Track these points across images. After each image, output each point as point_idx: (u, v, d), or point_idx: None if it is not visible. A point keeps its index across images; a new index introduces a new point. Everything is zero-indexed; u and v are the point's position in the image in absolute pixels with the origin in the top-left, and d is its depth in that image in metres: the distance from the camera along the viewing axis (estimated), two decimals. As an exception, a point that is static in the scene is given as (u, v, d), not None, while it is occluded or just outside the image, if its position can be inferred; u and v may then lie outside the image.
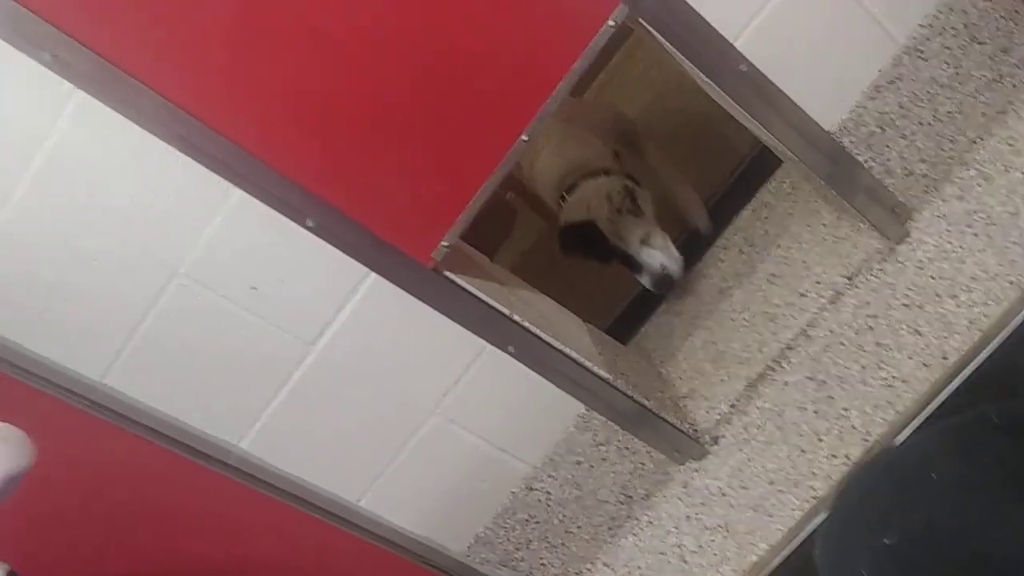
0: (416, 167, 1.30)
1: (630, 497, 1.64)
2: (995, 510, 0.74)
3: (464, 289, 1.40)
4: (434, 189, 1.32)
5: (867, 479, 0.84)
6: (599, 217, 1.93)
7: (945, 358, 1.38)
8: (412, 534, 1.57)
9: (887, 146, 1.45)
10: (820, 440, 1.46)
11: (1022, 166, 1.43)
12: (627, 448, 1.60)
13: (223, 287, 1.33)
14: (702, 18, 1.27)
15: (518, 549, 1.64)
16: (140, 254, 1.28)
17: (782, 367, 1.59)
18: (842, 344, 1.52)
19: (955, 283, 1.41)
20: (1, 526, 1.06)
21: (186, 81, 1.19)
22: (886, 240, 1.51)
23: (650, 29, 1.26)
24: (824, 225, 1.69)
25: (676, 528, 1.59)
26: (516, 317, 1.44)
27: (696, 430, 1.62)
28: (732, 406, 1.62)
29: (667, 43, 1.27)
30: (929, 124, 1.46)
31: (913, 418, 1.38)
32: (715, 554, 1.51)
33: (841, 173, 1.43)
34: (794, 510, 1.44)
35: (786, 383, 1.57)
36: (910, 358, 1.41)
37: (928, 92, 1.43)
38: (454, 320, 1.41)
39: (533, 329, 1.46)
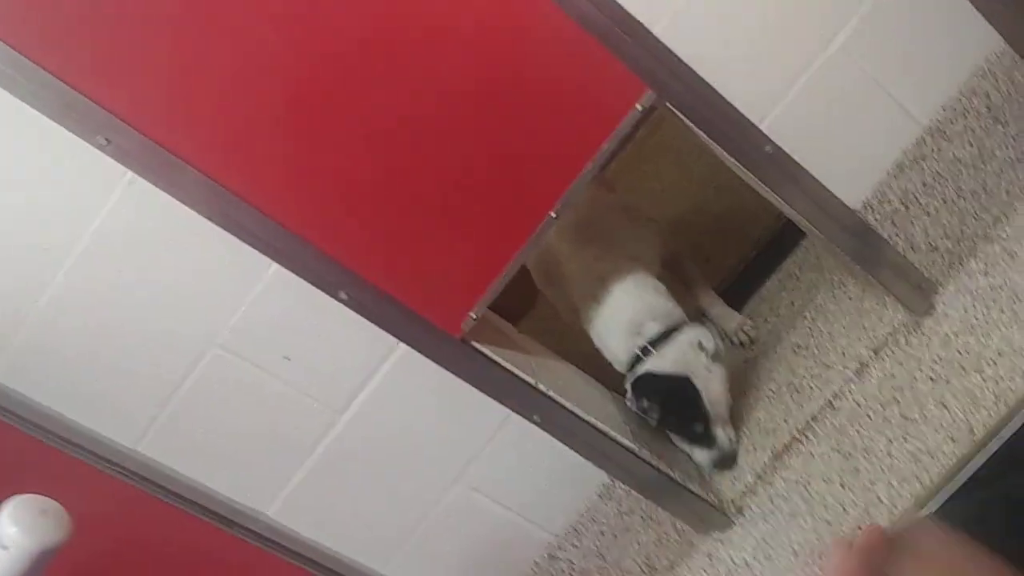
0: (447, 242, 1.33)
1: (654, 568, 1.63)
2: None
3: (491, 359, 1.42)
4: (464, 263, 1.35)
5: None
6: (696, 373, 1.67)
7: (972, 432, 1.37)
8: (436, 603, 1.57)
9: (911, 222, 1.47)
10: (846, 512, 1.45)
11: (1047, 243, 1.44)
12: (651, 518, 1.60)
13: (257, 357, 1.35)
14: (728, 102, 1.30)
15: (542, 619, 1.63)
16: (178, 325, 1.31)
17: (808, 438, 1.59)
18: (868, 416, 1.51)
19: (981, 357, 1.41)
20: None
21: (231, 162, 1.24)
22: (911, 313, 1.52)
23: (677, 113, 1.29)
24: (850, 298, 1.70)
25: (701, 599, 1.58)
26: (541, 386, 1.46)
27: (721, 500, 1.61)
28: (758, 477, 1.61)
29: (693, 126, 1.30)
30: (953, 201, 1.47)
31: (939, 491, 1.37)
32: (741, 627, 1.50)
33: (866, 249, 1.45)
34: (819, 583, 1.43)
35: (812, 454, 1.57)
36: (936, 431, 1.41)
37: (951, 171, 1.45)
38: (480, 389, 1.43)
39: (558, 398, 1.47)
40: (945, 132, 1.43)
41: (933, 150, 1.43)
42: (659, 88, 1.26)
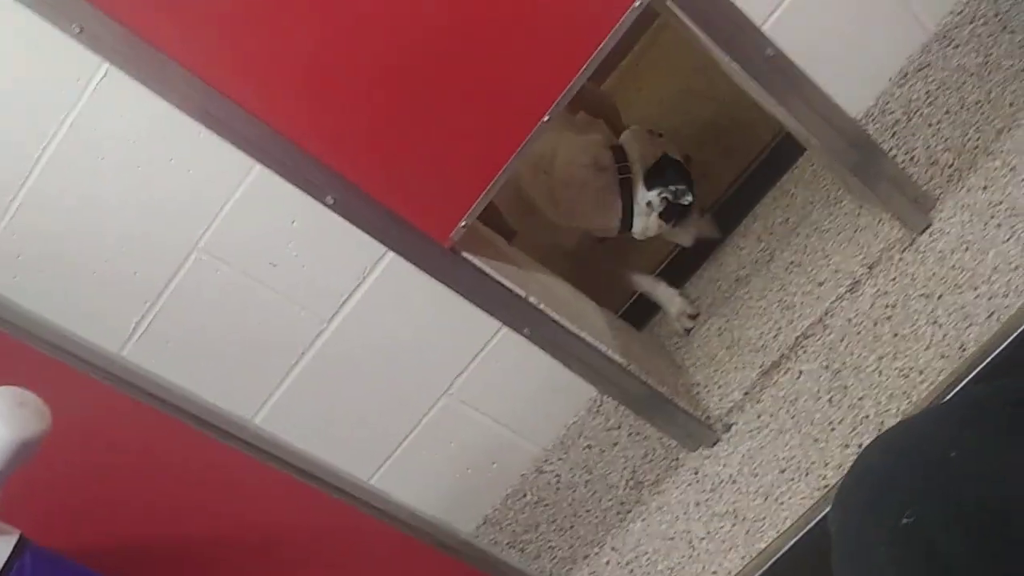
0: (438, 146, 1.29)
1: (640, 482, 1.64)
2: (1018, 485, 0.73)
3: (481, 270, 1.40)
4: (455, 169, 1.31)
5: (882, 462, 0.83)
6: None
7: (963, 349, 1.36)
8: (422, 513, 1.58)
9: (912, 134, 1.44)
10: (833, 429, 1.46)
11: (1049, 157, 1.41)
12: (639, 433, 1.60)
13: (242, 262, 1.33)
14: (729, 1, 1.26)
15: (526, 531, 1.64)
16: (158, 227, 1.28)
17: (797, 356, 1.59)
18: (859, 334, 1.51)
19: (976, 274, 1.40)
20: (14, 493, 1.07)
21: (211, 55, 1.19)
22: (908, 230, 1.50)
23: (677, 11, 1.24)
24: (845, 214, 1.68)
25: (685, 514, 1.59)
26: (532, 299, 1.44)
27: (708, 417, 1.62)
28: (745, 394, 1.61)
29: (694, 25, 1.26)
30: (956, 113, 1.44)
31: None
32: (723, 540, 1.51)
33: (865, 161, 1.42)
34: (804, 498, 1.43)
35: (800, 372, 1.57)
36: (927, 349, 1.40)
37: (956, 80, 1.41)
38: (470, 301, 1.41)
39: (548, 312, 1.45)
40: (952, 39, 1.38)
41: (939, 57, 1.39)
42: (659, -16, 1.22)
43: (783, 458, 1.50)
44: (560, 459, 1.59)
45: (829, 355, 1.54)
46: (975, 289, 1.39)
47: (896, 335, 1.45)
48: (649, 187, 1.84)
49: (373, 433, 1.50)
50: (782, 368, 1.60)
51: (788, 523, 1.43)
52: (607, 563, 1.65)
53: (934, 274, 1.45)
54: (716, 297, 1.88)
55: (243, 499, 1.48)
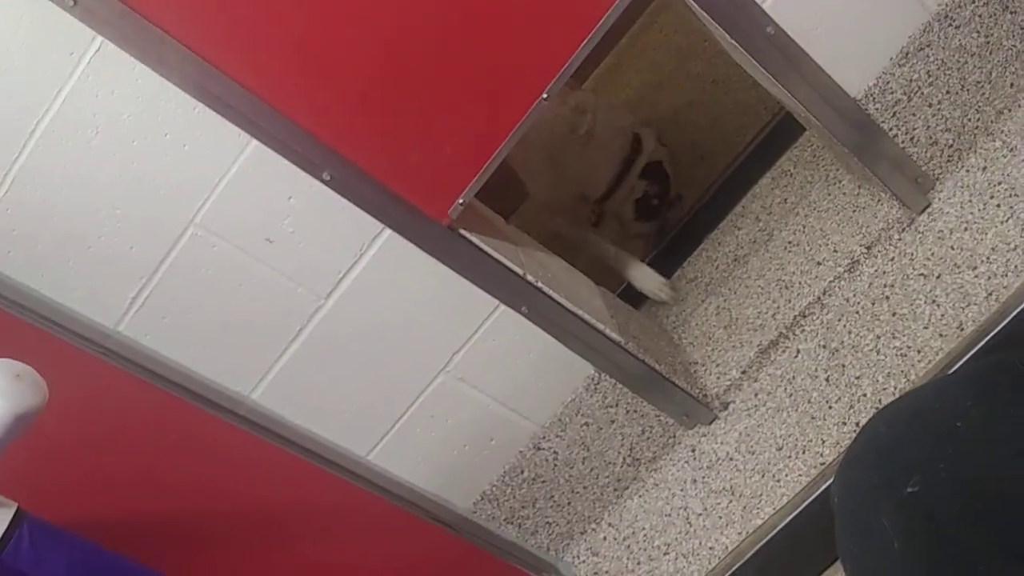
0: (436, 123, 1.28)
1: (637, 459, 1.65)
2: (1020, 460, 0.73)
3: (479, 248, 1.39)
4: (453, 146, 1.30)
5: (888, 431, 0.84)
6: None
7: (961, 329, 1.36)
8: (419, 489, 1.58)
9: (913, 114, 1.43)
10: (830, 408, 1.46)
11: (1049, 137, 1.40)
12: (636, 411, 1.61)
13: (238, 238, 1.32)
14: (730, -23, 1.25)
15: (524, 507, 1.65)
16: (155, 203, 1.28)
17: (795, 335, 1.59)
18: (857, 313, 1.51)
19: (975, 254, 1.40)
20: (11, 466, 1.07)
21: (207, 30, 1.18)
22: (907, 210, 1.49)
23: (677, -13, 1.23)
24: (844, 194, 1.67)
25: (682, 491, 1.60)
26: (530, 277, 1.44)
27: (706, 395, 1.62)
28: (743, 372, 1.62)
29: (694, 3, 1.25)
30: (956, 93, 1.43)
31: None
32: (720, 517, 1.52)
33: (865, 141, 1.41)
34: (801, 476, 1.44)
35: (798, 350, 1.57)
36: (925, 328, 1.40)
37: (957, 60, 1.40)
38: (467, 278, 1.41)
39: (546, 290, 1.45)
40: (953, 19, 1.37)
41: (940, 37, 1.38)
42: (659, -40, 1.20)
43: (780, 436, 1.51)
44: (558, 436, 1.60)
45: (827, 334, 1.54)
46: (974, 269, 1.39)
47: (894, 314, 1.46)
48: (642, 176, 2.11)
49: (370, 409, 1.50)
50: (780, 347, 1.60)
51: (785, 500, 1.44)
52: (604, 539, 1.66)
53: (933, 254, 1.45)
54: (714, 276, 1.88)
55: (240, 474, 1.48)
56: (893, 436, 0.82)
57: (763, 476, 1.49)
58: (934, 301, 1.41)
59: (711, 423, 1.62)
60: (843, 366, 1.48)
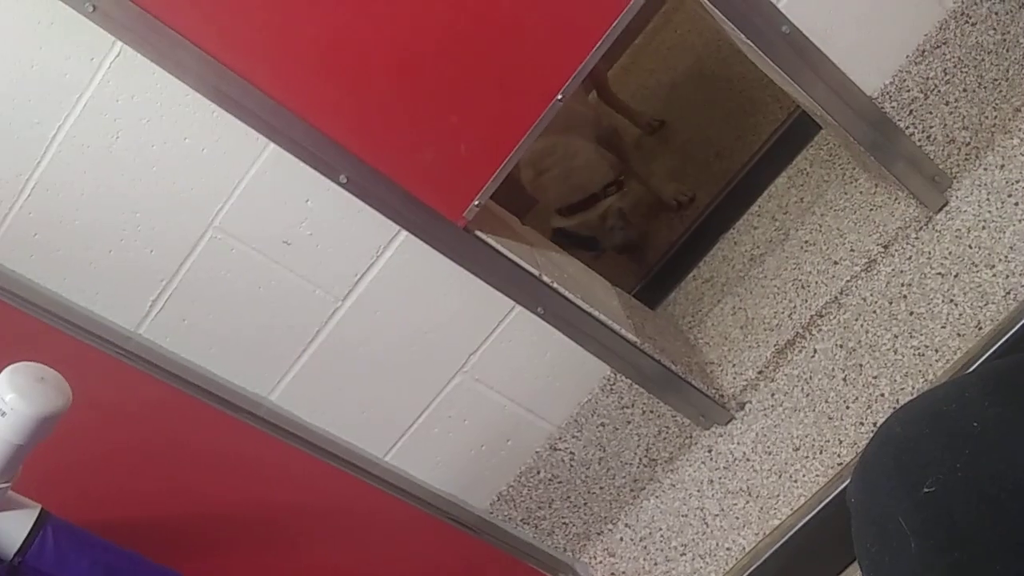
0: (451, 125, 1.29)
1: (653, 460, 1.65)
2: None
3: (495, 249, 1.40)
4: (468, 147, 1.31)
5: (905, 431, 0.83)
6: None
7: (980, 328, 1.36)
8: (436, 490, 1.59)
9: (929, 112, 1.42)
10: (848, 408, 1.46)
11: (1067, 135, 1.39)
12: (652, 411, 1.61)
13: (256, 240, 1.34)
14: (745, -23, 1.25)
15: (540, 508, 1.66)
16: (175, 207, 1.29)
17: (812, 334, 1.58)
18: (874, 312, 1.50)
19: (993, 253, 1.39)
20: (35, 468, 1.09)
21: (225, 34, 1.19)
22: (924, 208, 1.49)
23: (691, -13, 1.23)
24: (861, 193, 1.66)
25: (699, 491, 1.60)
26: (546, 278, 1.44)
27: (722, 395, 1.62)
28: (760, 372, 1.61)
29: (709, 4, 1.25)
30: (973, 91, 1.42)
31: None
32: (737, 517, 1.52)
33: (882, 139, 1.41)
34: (818, 476, 1.44)
35: (815, 350, 1.56)
36: (943, 327, 1.40)
37: (974, 58, 1.40)
38: (484, 280, 1.41)
39: (562, 291, 1.46)
40: (969, 16, 1.37)
41: (956, 35, 1.38)
42: (673, -39, 1.20)
43: (797, 436, 1.50)
44: (574, 437, 1.60)
45: (844, 334, 1.53)
46: (992, 268, 1.38)
47: (912, 314, 1.45)
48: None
49: (388, 410, 1.51)
50: (796, 347, 1.60)
51: (802, 500, 1.44)
52: (621, 540, 1.66)
53: (951, 253, 1.44)
54: (730, 276, 1.88)
55: (259, 475, 1.50)
56: (910, 436, 0.81)
57: (780, 476, 1.49)
58: (952, 300, 1.40)
59: (728, 423, 1.61)
60: (860, 366, 1.48)
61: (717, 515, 1.55)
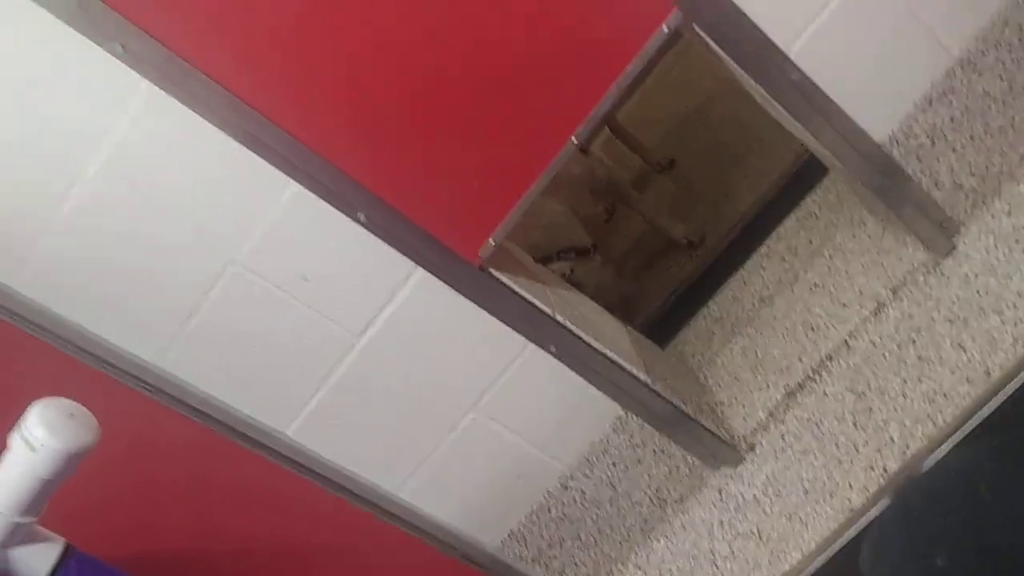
0: (467, 166, 1.32)
1: (664, 500, 1.65)
2: None
3: (508, 287, 1.42)
4: (484, 187, 1.34)
5: (912, 500, 0.84)
6: None
7: (988, 374, 1.36)
8: (448, 526, 1.59)
9: (937, 159, 1.45)
10: (857, 452, 1.46)
11: (1073, 182, 1.42)
12: (663, 451, 1.61)
13: (275, 276, 1.36)
14: (755, 25, 1.28)
15: (551, 547, 1.65)
16: (197, 242, 1.32)
17: (822, 377, 1.59)
18: (884, 356, 1.51)
19: (1001, 299, 1.40)
20: (60, 503, 1.10)
21: (252, 77, 1.23)
22: (932, 253, 1.50)
23: (704, 35, 1.27)
24: (869, 236, 1.68)
25: (709, 533, 1.60)
26: (559, 317, 1.46)
27: (732, 436, 1.62)
28: (770, 414, 1.62)
29: (720, 50, 1.28)
30: (980, 138, 1.45)
31: (953, 433, 1.37)
32: (747, 560, 1.51)
33: (889, 185, 1.43)
34: (828, 520, 1.43)
35: (825, 393, 1.57)
36: (952, 373, 1.40)
37: (980, 106, 1.42)
38: (497, 318, 1.43)
39: (575, 329, 1.47)
40: (976, 65, 1.40)
41: (963, 83, 1.40)
42: (686, 9, 1.24)
43: (807, 479, 1.51)
44: (585, 475, 1.61)
45: (854, 377, 1.54)
46: (1000, 314, 1.39)
47: (921, 358, 1.46)
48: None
49: (401, 446, 1.52)
50: (807, 389, 1.61)
51: (812, 544, 1.43)
52: (630, 581, 1.66)
53: (959, 298, 1.46)
54: (740, 316, 1.89)
55: (276, 509, 1.51)
56: (916, 513, 0.82)
57: (790, 519, 1.49)
58: (961, 345, 1.41)
59: (738, 465, 1.62)
60: (870, 409, 1.48)
61: (727, 557, 1.55)
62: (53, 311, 1.33)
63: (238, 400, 1.42)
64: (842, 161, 1.40)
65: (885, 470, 1.40)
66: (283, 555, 1.45)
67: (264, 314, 1.38)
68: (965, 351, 1.41)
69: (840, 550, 1.42)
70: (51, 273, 1.31)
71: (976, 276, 1.45)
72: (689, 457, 1.62)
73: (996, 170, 1.48)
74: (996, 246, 1.45)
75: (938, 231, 1.48)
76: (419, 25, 1.24)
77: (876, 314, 1.56)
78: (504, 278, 1.42)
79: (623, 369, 1.52)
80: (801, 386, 1.61)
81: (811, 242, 1.85)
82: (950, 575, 0.75)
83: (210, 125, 1.23)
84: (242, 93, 1.22)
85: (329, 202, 1.30)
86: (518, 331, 1.45)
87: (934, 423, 1.39)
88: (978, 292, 1.44)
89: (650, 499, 1.65)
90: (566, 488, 1.61)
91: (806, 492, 1.50)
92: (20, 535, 1.05)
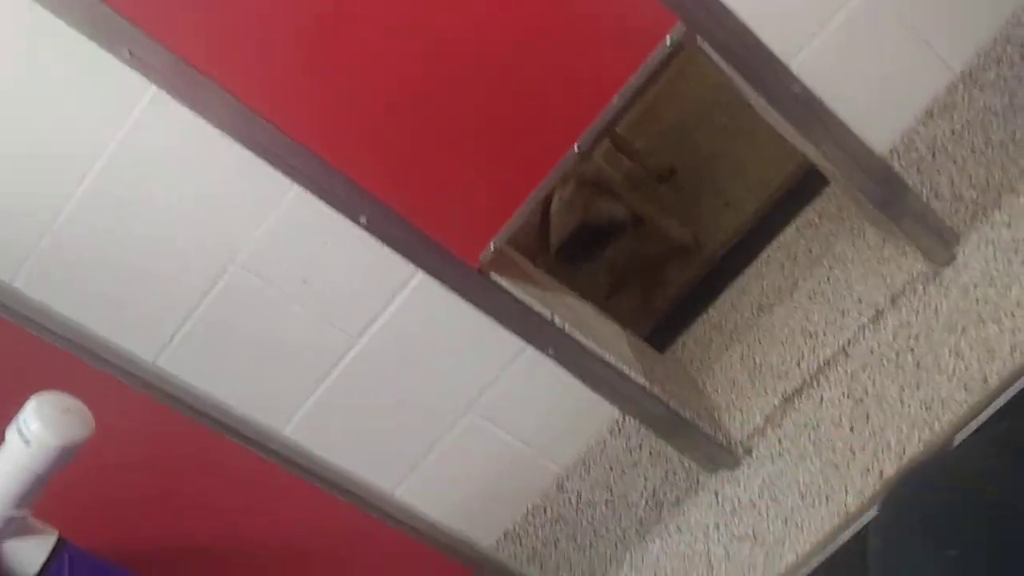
0: (470, 170, 1.33)
1: (660, 503, 1.66)
2: None
3: (508, 291, 1.43)
4: (485, 193, 1.35)
5: (920, 492, 0.85)
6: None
7: (986, 382, 1.37)
8: (443, 526, 1.61)
9: (937, 171, 1.45)
10: (854, 456, 1.47)
11: (1072, 196, 1.42)
12: (660, 455, 1.62)
13: (276, 278, 1.37)
14: (758, 38, 1.28)
15: (546, 547, 1.67)
16: (198, 242, 1.33)
17: (819, 383, 1.60)
18: (881, 364, 1.52)
19: (999, 308, 1.41)
20: (53, 496, 1.11)
21: (255, 81, 1.23)
22: (931, 263, 1.51)
23: (707, 47, 1.27)
24: (869, 246, 1.69)
25: (705, 535, 1.61)
26: (557, 320, 1.47)
27: (730, 440, 1.63)
28: (767, 419, 1.63)
29: (722, 62, 1.29)
30: (981, 151, 1.45)
31: (950, 440, 1.38)
32: (743, 562, 1.52)
33: (890, 196, 1.43)
34: (824, 523, 1.44)
35: (823, 399, 1.58)
36: (949, 380, 1.41)
37: (981, 120, 1.43)
38: (496, 320, 1.44)
39: (573, 333, 1.48)
40: (977, 80, 1.40)
41: (964, 98, 1.41)
42: (690, 21, 1.24)
43: (804, 483, 1.51)
44: (581, 477, 1.62)
45: (851, 384, 1.55)
46: (998, 323, 1.40)
47: (919, 366, 1.47)
48: None
49: (398, 446, 1.53)
50: (804, 395, 1.61)
51: (808, 547, 1.44)
52: (625, 582, 1.67)
53: (958, 307, 1.46)
54: (739, 323, 1.90)
55: (270, 507, 1.52)
56: (924, 506, 0.83)
57: (786, 523, 1.50)
58: (958, 354, 1.42)
59: (734, 468, 1.63)
60: (867, 415, 1.49)
61: (722, 560, 1.56)
62: (54, 309, 1.34)
63: (234, 399, 1.43)
64: (843, 172, 1.40)
65: (881, 475, 1.41)
66: (276, 552, 1.47)
67: (263, 315, 1.39)
68: (963, 359, 1.41)
69: (835, 553, 1.43)
70: (52, 272, 1.32)
71: (975, 286, 1.46)
72: (686, 460, 1.63)
73: (996, 182, 1.48)
74: (995, 257, 1.45)
75: (938, 241, 1.49)
76: (424, 32, 1.24)
77: (875, 322, 1.57)
78: (504, 282, 1.42)
79: (621, 373, 1.53)
80: (799, 392, 1.62)
81: (811, 251, 1.86)
82: (966, 565, 0.76)
83: (213, 128, 1.24)
84: (245, 97, 1.23)
85: (330, 205, 1.31)
86: (517, 334, 1.46)
87: (931, 429, 1.39)
88: (977, 301, 1.44)
89: (646, 501, 1.66)
90: (562, 489, 1.62)
91: (802, 496, 1.51)
92: (13, 528, 1.06)
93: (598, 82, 1.28)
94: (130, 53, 1.18)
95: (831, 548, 1.44)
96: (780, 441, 1.60)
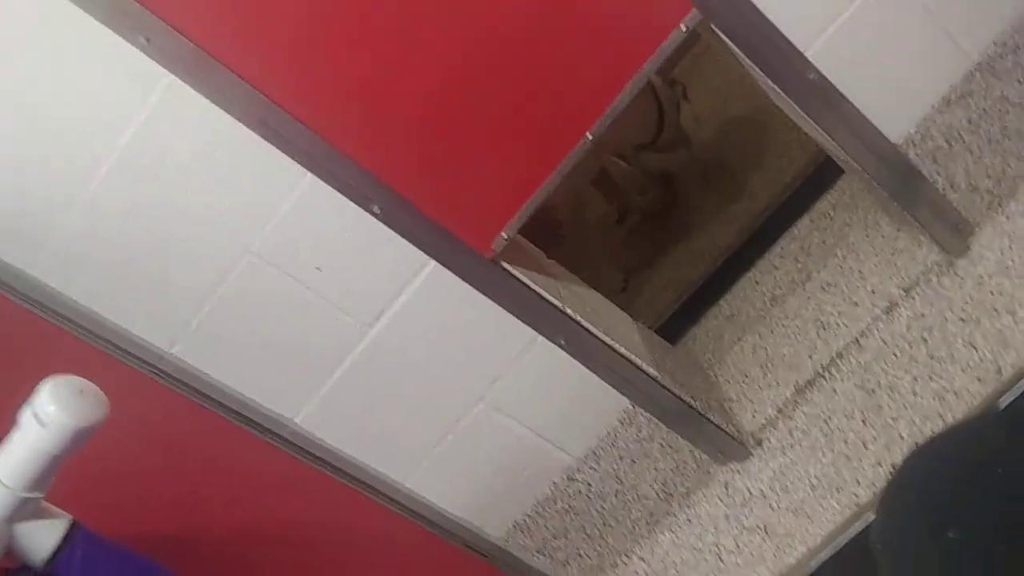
0: (482, 160, 1.33)
1: (670, 494, 1.66)
2: None
3: (520, 281, 1.43)
4: (498, 182, 1.34)
5: (925, 470, 0.85)
6: None
7: (1000, 373, 1.36)
8: (454, 516, 1.61)
9: (953, 160, 1.44)
10: (866, 448, 1.46)
11: (1089, 186, 1.41)
12: (670, 446, 1.62)
13: (290, 266, 1.37)
14: (773, 26, 1.28)
15: (556, 538, 1.67)
16: (214, 230, 1.33)
17: (832, 374, 1.60)
18: (894, 355, 1.51)
19: (1014, 299, 1.40)
20: (67, 480, 1.11)
21: (271, 70, 1.23)
22: (946, 254, 1.50)
23: (721, 35, 1.26)
24: (883, 237, 1.68)
25: (715, 527, 1.61)
26: (569, 311, 1.46)
27: (740, 432, 1.63)
28: (779, 410, 1.63)
29: (737, 49, 1.28)
30: (997, 141, 1.44)
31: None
32: (752, 554, 1.52)
33: (905, 186, 1.42)
34: (835, 515, 1.44)
35: (835, 390, 1.58)
36: (963, 371, 1.40)
37: (998, 109, 1.42)
38: (508, 310, 1.44)
39: (585, 323, 1.48)
40: (994, 68, 1.39)
41: (981, 86, 1.40)
42: (705, 8, 1.23)
43: (815, 475, 1.51)
44: (591, 468, 1.62)
45: (864, 375, 1.55)
46: (1012, 314, 1.39)
47: (932, 357, 1.46)
48: None
49: (409, 436, 1.54)
50: (816, 386, 1.61)
51: (818, 539, 1.44)
52: (635, 573, 1.67)
53: (972, 298, 1.45)
54: (751, 315, 1.89)
55: (281, 494, 1.52)
56: (929, 484, 0.83)
57: (796, 515, 1.50)
58: (972, 345, 1.41)
59: (745, 460, 1.62)
60: (880, 407, 1.49)
61: (732, 551, 1.56)
62: (68, 296, 1.34)
63: (247, 386, 1.44)
64: (858, 161, 1.40)
65: (893, 467, 1.40)
66: (287, 539, 1.47)
67: (277, 303, 1.39)
68: (977, 350, 1.41)
69: (846, 545, 1.43)
70: (67, 259, 1.33)
71: (990, 277, 1.45)
72: (696, 452, 1.62)
73: (1012, 173, 1.47)
74: (1011, 247, 1.45)
75: (953, 232, 1.48)
76: (438, 22, 1.24)
77: (888, 313, 1.56)
78: (516, 272, 1.42)
79: (632, 363, 1.52)
80: (811, 383, 1.61)
81: (824, 242, 1.85)
82: (967, 547, 0.76)
83: (229, 117, 1.24)
84: (261, 86, 1.23)
85: (344, 194, 1.31)
86: (528, 324, 1.46)
87: (944, 420, 1.39)
88: (991, 292, 1.43)
89: (656, 493, 1.65)
90: (572, 480, 1.62)
91: (813, 487, 1.50)
92: (27, 510, 1.06)
93: (611, 70, 1.27)
94: (147, 40, 1.18)
95: (842, 540, 1.43)
96: (791, 433, 1.60)
